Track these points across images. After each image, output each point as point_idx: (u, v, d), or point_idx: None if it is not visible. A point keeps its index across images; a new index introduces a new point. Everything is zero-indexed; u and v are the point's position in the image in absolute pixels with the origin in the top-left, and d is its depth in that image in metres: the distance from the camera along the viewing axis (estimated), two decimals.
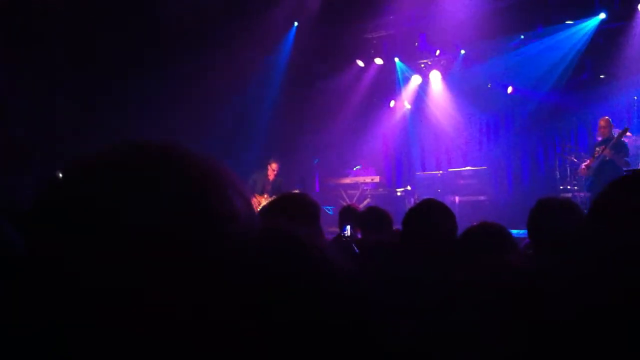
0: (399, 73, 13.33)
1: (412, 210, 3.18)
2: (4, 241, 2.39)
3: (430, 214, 2.98)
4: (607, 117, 9.57)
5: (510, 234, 2.74)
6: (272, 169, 10.31)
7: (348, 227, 4.47)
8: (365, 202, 11.39)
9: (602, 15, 10.54)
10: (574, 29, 11.02)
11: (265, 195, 10.18)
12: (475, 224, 2.92)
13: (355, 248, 4.10)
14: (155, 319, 0.88)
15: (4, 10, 9.14)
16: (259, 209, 8.23)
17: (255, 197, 10.27)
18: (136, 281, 0.86)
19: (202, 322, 0.90)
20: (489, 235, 2.51)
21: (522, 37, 11.44)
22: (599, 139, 9.58)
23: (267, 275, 1.02)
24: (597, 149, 9.41)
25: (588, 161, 9.59)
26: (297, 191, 10.04)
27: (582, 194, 10.13)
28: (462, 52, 12.14)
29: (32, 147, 9.60)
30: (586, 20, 10.79)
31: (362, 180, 12.54)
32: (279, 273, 1.04)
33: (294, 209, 2.84)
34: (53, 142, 9.74)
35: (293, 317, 0.99)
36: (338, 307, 1.01)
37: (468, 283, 1.43)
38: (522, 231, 6.64)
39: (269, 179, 10.36)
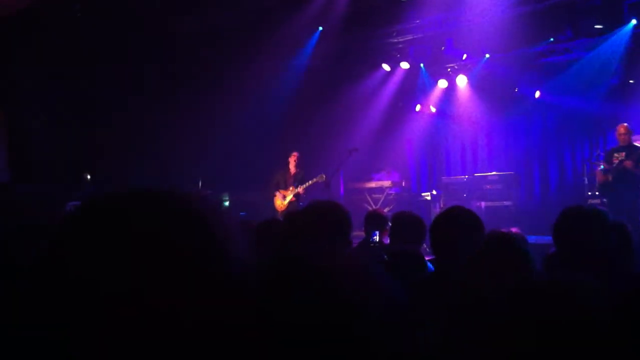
0: (424, 78, 13.28)
1: (439, 218, 3.13)
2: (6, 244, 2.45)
3: (458, 223, 2.95)
4: (626, 124, 9.44)
5: (523, 248, 2.63)
6: (294, 158, 10.37)
7: (377, 233, 4.42)
8: (387, 209, 11.37)
9: (634, 22, 10.36)
10: (607, 38, 10.82)
11: (291, 188, 10.25)
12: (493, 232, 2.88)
13: (384, 255, 4.10)
14: (157, 320, 0.93)
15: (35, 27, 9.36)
16: (284, 213, 8.18)
17: (279, 192, 10.34)
18: (139, 283, 0.91)
19: (203, 324, 0.94)
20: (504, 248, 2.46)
21: (552, 39, 11.28)
22: (618, 144, 9.50)
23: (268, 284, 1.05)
24: (616, 154, 9.32)
25: (603, 165, 9.49)
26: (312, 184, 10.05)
27: None
28: (487, 55, 12.02)
29: (61, 155, 9.82)
30: (618, 30, 10.59)
31: (387, 184, 12.52)
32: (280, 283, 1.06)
33: (322, 219, 2.84)
34: (76, 151, 9.96)
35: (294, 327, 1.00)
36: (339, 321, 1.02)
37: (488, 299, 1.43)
38: (548, 237, 6.57)
39: (290, 174, 10.41)
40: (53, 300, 0.93)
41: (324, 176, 10.08)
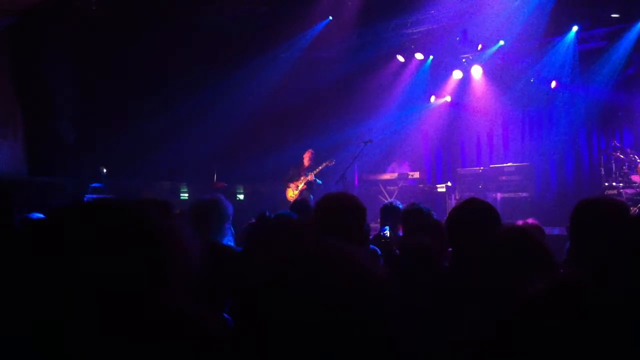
0: (436, 69, 13.20)
1: (455, 210, 3.09)
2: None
3: (474, 215, 2.90)
4: None
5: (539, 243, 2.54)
6: (308, 154, 10.43)
7: (387, 228, 4.39)
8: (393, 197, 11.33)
9: None
10: (624, 28, 10.70)
11: (302, 177, 10.29)
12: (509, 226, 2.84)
13: (396, 250, 4.07)
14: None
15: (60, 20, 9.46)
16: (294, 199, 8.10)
17: (292, 184, 10.37)
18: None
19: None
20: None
21: (576, 28, 11.15)
22: None
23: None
24: None
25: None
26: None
27: (628, 191, 9.91)
28: (501, 42, 11.86)
29: (79, 150, 9.92)
30: (635, 20, 10.47)
31: (401, 176, 12.47)
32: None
33: (336, 213, 2.83)
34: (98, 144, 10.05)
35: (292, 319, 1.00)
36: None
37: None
38: (565, 228, 6.51)
39: (304, 167, 10.45)
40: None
41: (334, 160, 10.12)
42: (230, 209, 3.81)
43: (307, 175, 10.27)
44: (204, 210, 3.71)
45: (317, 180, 10.28)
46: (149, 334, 1.00)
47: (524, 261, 2.10)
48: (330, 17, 12.21)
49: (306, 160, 10.49)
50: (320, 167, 10.25)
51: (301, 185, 10.28)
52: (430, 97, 13.69)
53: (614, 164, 10.47)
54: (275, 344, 0.98)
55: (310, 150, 10.56)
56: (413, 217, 4.38)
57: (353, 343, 0.99)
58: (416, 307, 2.28)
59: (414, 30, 12.42)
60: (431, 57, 12.89)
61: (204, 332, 1.11)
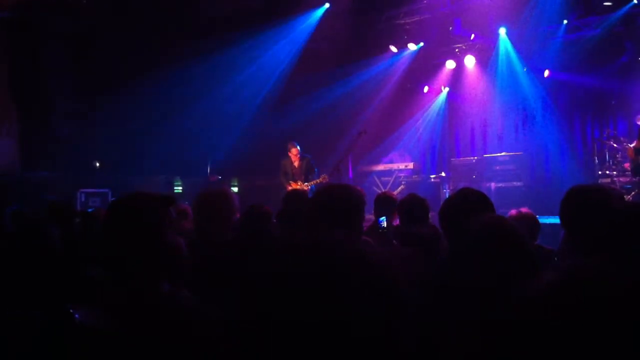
0: (429, 59, 13.17)
1: (448, 200, 3.07)
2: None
3: (468, 204, 2.89)
4: None
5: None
6: (293, 154, 10.20)
7: (384, 218, 4.37)
8: (400, 189, 11.33)
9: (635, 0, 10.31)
10: (616, 16, 10.72)
11: (299, 182, 10.16)
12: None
13: (393, 240, 4.07)
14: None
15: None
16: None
17: (290, 185, 10.28)
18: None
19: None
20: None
21: (565, 22, 11.17)
22: None
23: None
24: None
25: (636, 143, 9.34)
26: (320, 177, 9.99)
27: (622, 179, 9.94)
28: (503, 30, 11.84)
29: (73, 145, 9.89)
30: (626, 8, 10.50)
31: (396, 167, 12.47)
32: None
33: (335, 204, 2.81)
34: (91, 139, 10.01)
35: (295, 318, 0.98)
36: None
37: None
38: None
39: (294, 165, 10.26)
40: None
41: (327, 176, 9.96)
42: (236, 201, 3.70)
43: (304, 182, 10.16)
44: (209, 203, 3.60)
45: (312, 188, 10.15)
46: (147, 317, 1.03)
47: (503, 252, 2.08)
48: (328, 5, 12.14)
49: (294, 158, 10.27)
50: (314, 182, 10.10)
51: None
52: (423, 87, 13.68)
53: (607, 153, 10.49)
54: (276, 341, 0.97)
55: (295, 147, 10.23)
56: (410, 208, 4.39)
57: (363, 341, 0.98)
58: (417, 301, 2.26)
59: (407, 21, 12.40)
60: (421, 43, 12.84)
61: (195, 318, 1.11)
